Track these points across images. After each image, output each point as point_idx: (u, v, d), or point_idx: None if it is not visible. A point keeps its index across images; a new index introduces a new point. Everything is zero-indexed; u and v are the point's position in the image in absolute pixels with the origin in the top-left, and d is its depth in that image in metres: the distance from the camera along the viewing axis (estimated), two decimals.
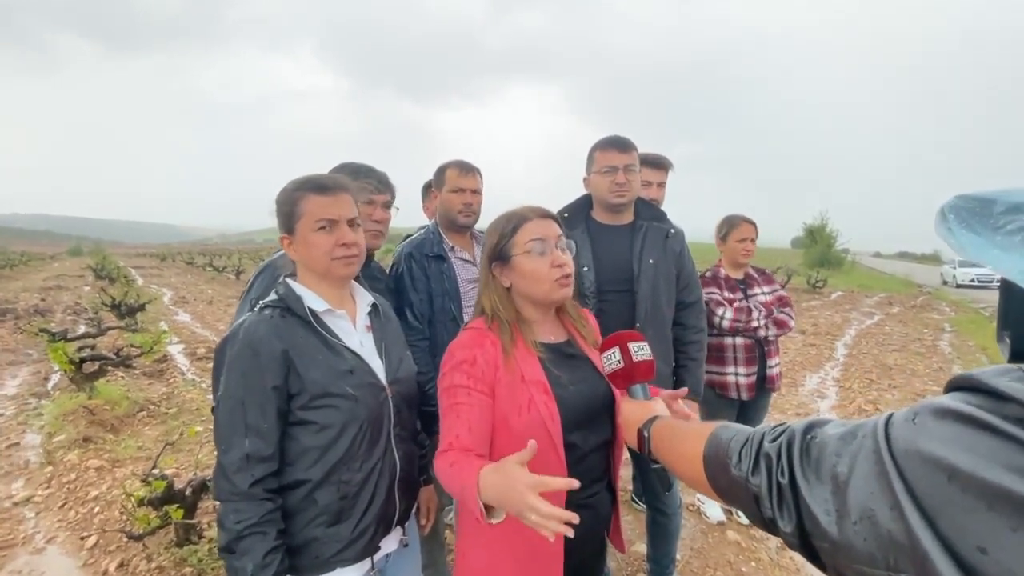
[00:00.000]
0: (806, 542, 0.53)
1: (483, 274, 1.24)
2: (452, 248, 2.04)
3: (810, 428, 0.56)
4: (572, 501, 1.15)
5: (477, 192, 2.03)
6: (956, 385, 0.46)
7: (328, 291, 1.21)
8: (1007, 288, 0.54)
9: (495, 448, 1.13)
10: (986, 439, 0.40)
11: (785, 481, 0.54)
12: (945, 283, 22.43)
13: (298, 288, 1.19)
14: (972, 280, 20.71)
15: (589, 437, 1.19)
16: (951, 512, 0.40)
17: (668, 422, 0.88)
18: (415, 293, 1.93)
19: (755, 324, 2.60)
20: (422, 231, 2.17)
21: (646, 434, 0.88)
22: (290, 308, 1.15)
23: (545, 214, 1.21)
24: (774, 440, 0.58)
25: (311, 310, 1.16)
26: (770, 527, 0.57)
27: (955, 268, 22.35)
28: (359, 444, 1.15)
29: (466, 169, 2.03)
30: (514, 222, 1.19)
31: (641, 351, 1.01)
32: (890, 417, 0.49)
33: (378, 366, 1.23)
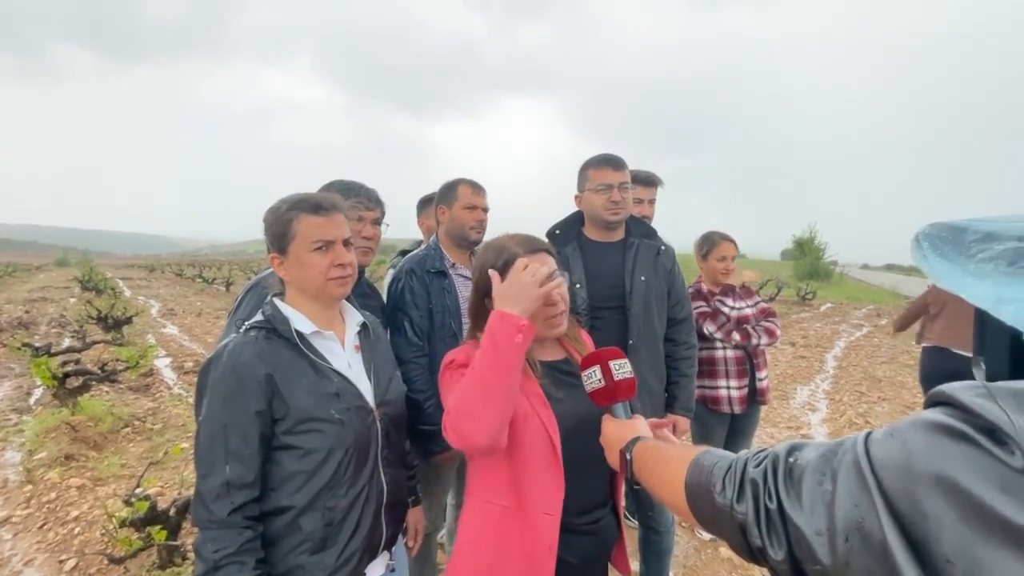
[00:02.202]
0: (797, 569, 0.52)
1: (473, 307, 1.21)
2: (453, 264, 2.04)
3: (792, 451, 0.56)
4: (574, 527, 1.13)
5: (487, 210, 2.08)
6: (932, 401, 0.48)
7: (318, 311, 1.20)
8: (980, 316, 0.55)
9: (495, 461, 1.11)
10: (962, 447, 0.41)
11: (774, 506, 0.53)
12: None
13: (285, 309, 1.17)
14: None
15: (587, 457, 1.16)
16: (924, 521, 0.42)
17: (650, 444, 0.87)
18: (415, 309, 1.92)
19: (748, 330, 2.62)
20: (423, 247, 2.16)
21: (628, 456, 0.87)
22: (276, 329, 1.13)
23: (535, 248, 1.18)
24: (758, 465, 0.57)
25: (298, 332, 1.14)
26: (758, 556, 0.56)
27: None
28: (345, 469, 1.13)
29: (478, 187, 2.07)
30: (504, 258, 1.15)
31: (622, 369, 0.99)
32: (869, 434, 0.49)
33: (366, 388, 1.22)
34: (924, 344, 3.63)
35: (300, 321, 1.16)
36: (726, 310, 2.67)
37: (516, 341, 0.99)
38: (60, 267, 48.81)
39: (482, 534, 1.13)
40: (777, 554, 0.53)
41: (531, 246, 1.17)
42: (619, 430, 0.94)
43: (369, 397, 1.21)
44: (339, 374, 1.17)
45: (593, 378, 1.00)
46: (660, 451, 0.82)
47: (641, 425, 0.95)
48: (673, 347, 2.05)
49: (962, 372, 4.34)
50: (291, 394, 1.08)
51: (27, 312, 12.15)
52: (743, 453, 0.62)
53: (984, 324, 0.55)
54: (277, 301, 1.19)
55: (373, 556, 1.22)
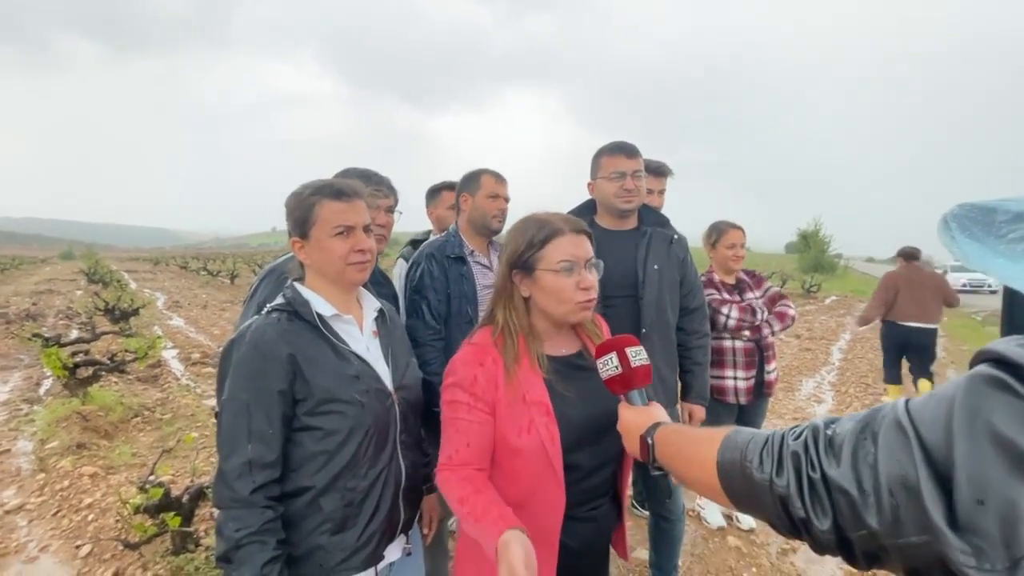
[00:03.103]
0: (842, 538, 0.52)
1: (501, 280, 1.16)
2: (472, 252, 2.08)
3: (829, 423, 0.56)
4: (574, 516, 1.13)
5: (508, 199, 2.11)
6: (976, 359, 0.48)
7: (336, 296, 1.21)
8: (1011, 296, 0.55)
9: (496, 464, 1.12)
10: (1002, 395, 0.42)
11: (817, 475, 0.54)
12: None
13: (306, 292, 1.18)
14: (963, 285, 20.99)
15: (596, 455, 1.15)
16: (956, 466, 0.43)
17: (673, 427, 0.87)
18: (434, 292, 1.96)
19: (759, 321, 2.61)
20: (443, 235, 2.18)
21: (649, 441, 0.87)
22: (297, 312, 1.14)
23: (580, 229, 1.14)
24: (797, 438, 0.58)
25: (319, 314, 1.15)
26: (800, 529, 0.56)
27: (947, 273, 22.63)
28: (365, 451, 1.14)
29: (501, 177, 2.10)
30: (546, 232, 1.11)
31: (639, 356, 0.99)
32: (908, 400, 0.50)
33: (384, 372, 1.22)
34: (883, 319, 5.09)
35: (320, 304, 1.17)
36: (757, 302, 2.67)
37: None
38: (65, 260, 49.04)
39: (481, 545, 1.13)
40: (822, 523, 0.53)
41: (574, 225, 1.14)
42: (638, 417, 0.94)
43: (388, 381, 1.22)
44: (359, 357, 1.18)
45: (609, 365, 0.99)
46: (685, 433, 0.82)
47: (659, 411, 0.95)
48: (685, 336, 2.05)
49: (908, 340, 5.02)
50: (313, 375, 1.09)
51: (34, 304, 12.23)
52: (777, 429, 0.62)
53: (1014, 305, 0.56)
54: (297, 285, 1.20)
55: (392, 538, 1.23)
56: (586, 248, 1.14)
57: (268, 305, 1.16)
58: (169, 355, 7.15)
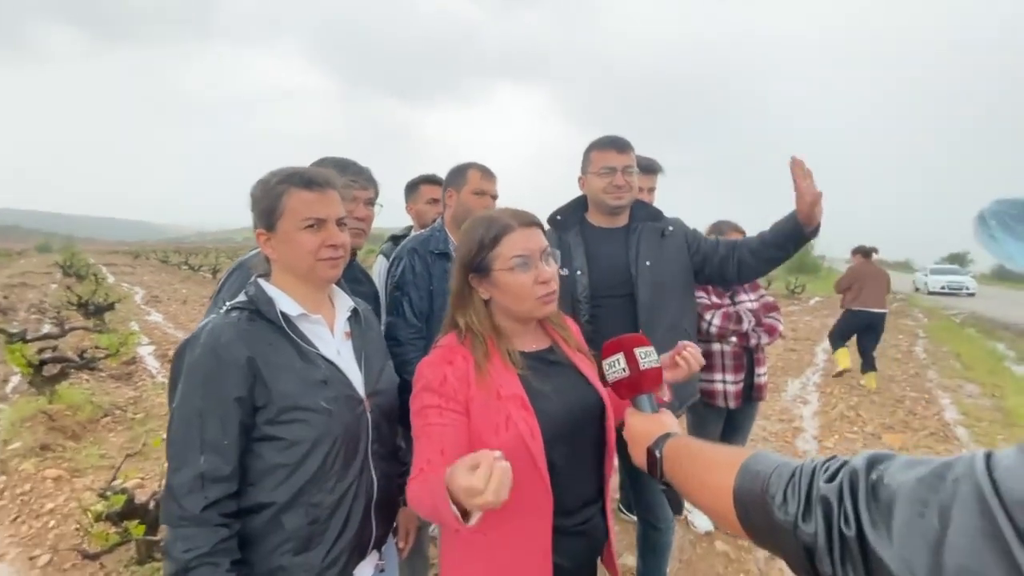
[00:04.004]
0: None
1: (457, 285, 1.12)
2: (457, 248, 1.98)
3: (873, 464, 0.47)
4: (565, 530, 1.06)
5: (496, 197, 2.01)
6: None
7: (305, 294, 1.11)
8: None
9: None
10: None
11: (851, 533, 0.45)
12: (917, 290, 23.14)
13: (270, 290, 1.08)
14: (943, 287, 21.48)
15: (576, 451, 1.09)
16: None
17: (683, 441, 0.79)
18: (415, 289, 1.87)
19: (745, 329, 2.55)
20: (427, 230, 2.09)
21: (657, 454, 0.79)
22: (260, 311, 1.04)
23: (529, 222, 1.10)
24: (830, 479, 0.49)
25: (283, 314, 1.05)
26: None
27: (927, 276, 23.15)
28: (332, 463, 1.04)
29: (489, 173, 2.00)
30: (495, 230, 1.07)
31: (648, 357, 0.92)
32: (990, 456, 0.40)
33: (356, 377, 1.13)
34: (845, 307, 6.25)
35: (286, 303, 1.07)
36: (749, 305, 2.60)
37: (450, 522, 0.83)
38: (42, 252, 47.78)
39: (471, 546, 1.05)
40: None
41: (523, 219, 1.09)
42: (645, 425, 0.86)
43: (359, 387, 1.12)
44: (327, 360, 1.08)
45: (616, 367, 0.92)
46: (698, 452, 0.73)
47: (670, 420, 0.87)
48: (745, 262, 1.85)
49: (871, 323, 6.09)
50: (274, 380, 1.00)
51: (5, 298, 11.82)
52: (807, 461, 0.53)
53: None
54: (262, 281, 1.10)
55: (362, 556, 1.14)
56: (538, 240, 1.09)
57: (228, 303, 1.06)
58: (145, 351, 6.94)
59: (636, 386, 0.91)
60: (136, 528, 2.27)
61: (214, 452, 0.95)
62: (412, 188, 2.77)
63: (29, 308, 10.36)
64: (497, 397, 1.02)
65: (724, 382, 2.59)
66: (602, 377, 0.97)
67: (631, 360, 0.91)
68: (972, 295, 21.01)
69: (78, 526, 2.77)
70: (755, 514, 0.55)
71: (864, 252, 6.25)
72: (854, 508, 0.45)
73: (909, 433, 4.68)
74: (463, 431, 1.01)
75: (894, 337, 9.72)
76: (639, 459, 0.85)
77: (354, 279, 1.71)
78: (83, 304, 8.00)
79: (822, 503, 0.48)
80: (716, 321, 2.53)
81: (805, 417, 5.06)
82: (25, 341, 4.70)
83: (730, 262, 1.87)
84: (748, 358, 2.61)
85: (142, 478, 3.39)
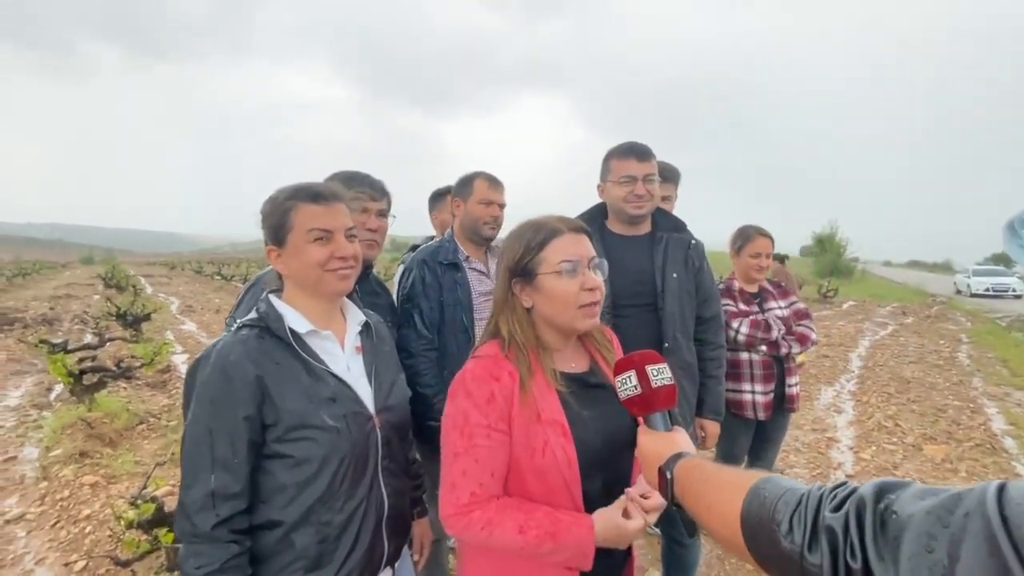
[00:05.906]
0: None
1: (501, 291, 1.09)
2: (467, 258, 1.99)
3: (881, 494, 0.45)
4: None
5: (503, 206, 2.01)
6: None
7: (316, 309, 1.12)
8: None
9: (505, 492, 1.02)
10: None
11: (857, 566, 0.43)
12: (959, 292, 22.07)
13: (280, 306, 1.09)
14: (987, 289, 20.38)
15: (608, 478, 1.07)
16: None
17: (695, 462, 0.76)
18: (426, 300, 1.87)
19: (774, 337, 2.46)
20: (436, 241, 2.10)
21: (668, 475, 0.77)
22: (269, 328, 1.05)
23: (579, 228, 1.08)
24: (837, 509, 0.47)
25: (292, 331, 1.06)
26: None
27: (969, 277, 22.03)
28: (341, 481, 1.04)
29: (496, 182, 2.00)
30: (543, 234, 1.04)
31: (661, 375, 0.89)
32: (1002, 489, 0.37)
33: (366, 392, 1.13)
34: None
35: (295, 319, 1.08)
36: (778, 312, 2.52)
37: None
38: (85, 264, 50.10)
39: (491, 559, 1.03)
40: None
41: (573, 225, 1.07)
42: (657, 444, 0.84)
43: (369, 403, 1.12)
44: (336, 377, 1.08)
45: (628, 384, 0.90)
46: (709, 474, 0.71)
47: (683, 439, 0.84)
48: (700, 347, 1.93)
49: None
50: (282, 398, 1.00)
51: (52, 309, 12.41)
52: (814, 487, 0.51)
53: None
54: (273, 298, 1.11)
55: (374, 574, 1.13)
56: (587, 247, 1.06)
57: (239, 321, 1.07)
58: (179, 360, 7.16)
59: (648, 404, 0.89)
60: (165, 536, 2.32)
61: (224, 470, 0.96)
62: (437, 198, 2.79)
63: (73, 319, 10.84)
64: (538, 420, 1.00)
65: (753, 392, 2.51)
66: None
67: (643, 378, 0.88)
68: (1019, 297, 19.94)
69: (111, 533, 2.86)
70: (762, 541, 0.54)
71: (780, 259, 6.23)
72: (860, 540, 0.44)
73: (953, 444, 4.45)
74: (507, 451, 1.00)
75: (935, 342, 9.31)
76: (651, 479, 0.83)
77: (371, 291, 1.72)
78: (121, 315, 8.32)
79: (827, 533, 0.46)
80: (744, 329, 2.45)
81: (840, 427, 4.87)
82: (66, 351, 4.91)
83: (698, 326, 1.94)
84: (779, 367, 2.52)
85: (173, 485, 3.48)
